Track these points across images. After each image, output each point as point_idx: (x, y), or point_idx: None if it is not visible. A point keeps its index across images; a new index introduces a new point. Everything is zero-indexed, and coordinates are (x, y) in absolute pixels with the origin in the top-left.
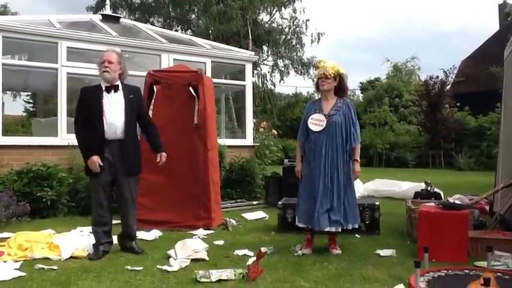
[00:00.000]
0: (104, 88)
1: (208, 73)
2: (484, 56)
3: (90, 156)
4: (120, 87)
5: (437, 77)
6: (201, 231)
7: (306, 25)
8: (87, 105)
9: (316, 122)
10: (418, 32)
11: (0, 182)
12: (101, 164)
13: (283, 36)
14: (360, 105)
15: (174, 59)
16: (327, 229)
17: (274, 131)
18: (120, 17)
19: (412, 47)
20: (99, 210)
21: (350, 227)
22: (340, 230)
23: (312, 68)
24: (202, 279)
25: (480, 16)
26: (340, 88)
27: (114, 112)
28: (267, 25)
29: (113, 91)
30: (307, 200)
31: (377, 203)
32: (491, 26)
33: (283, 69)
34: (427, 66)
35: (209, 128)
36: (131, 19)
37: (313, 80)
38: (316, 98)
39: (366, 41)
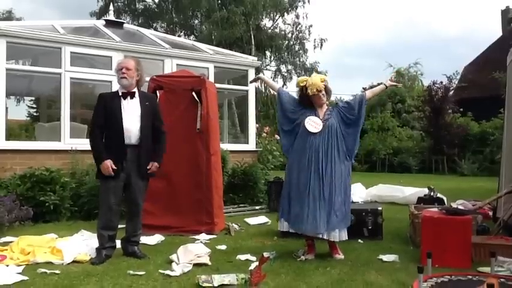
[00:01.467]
0: (120, 94)
1: (211, 78)
2: (487, 61)
3: (103, 160)
4: (137, 94)
5: (441, 82)
6: (203, 236)
7: (309, 31)
8: (105, 110)
9: (313, 123)
10: (420, 38)
11: (4, 186)
12: (114, 167)
13: (286, 42)
14: None
15: (177, 64)
16: (320, 236)
17: (277, 136)
18: (124, 23)
19: (414, 53)
20: (109, 214)
21: (342, 234)
22: (332, 238)
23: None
24: (205, 284)
25: (483, 22)
26: (327, 92)
27: (130, 118)
28: (269, 31)
29: (129, 97)
30: (298, 204)
31: (380, 208)
32: (494, 31)
33: (286, 74)
34: (430, 72)
35: (212, 133)
36: (135, 24)
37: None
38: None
39: (369, 46)
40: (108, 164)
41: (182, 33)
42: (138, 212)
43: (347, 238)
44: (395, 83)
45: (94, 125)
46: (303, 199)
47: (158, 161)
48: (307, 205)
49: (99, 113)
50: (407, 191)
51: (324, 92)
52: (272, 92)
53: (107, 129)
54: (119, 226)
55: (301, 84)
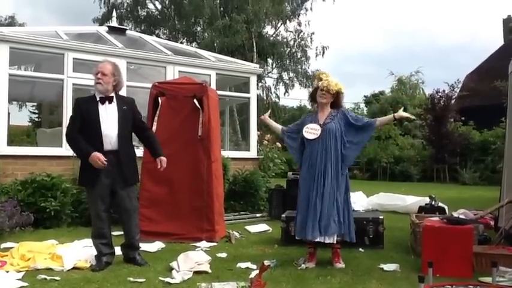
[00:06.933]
0: (98, 99)
1: (213, 85)
2: (489, 70)
3: (90, 153)
4: (115, 99)
5: (444, 91)
6: (204, 244)
7: (311, 38)
8: (82, 116)
9: (311, 131)
10: (421, 46)
11: (5, 191)
12: (104, 162)
13: (288, 49)
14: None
15: (179, 71)
16: (318, 239)
17: (278, 144)
18: (126, 29)
19: (416, 61)
20: (98, 222)
21: (346, 239)
22: (331, 241)
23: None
24: None
25: (484, 31)
26: (336, 103)
27: (108, 123)
28: (271, 38)
29: (107, 102)
30: (302, 210)
31: (381, 217)
32: (495, 40)
33: (287, 81)
34: (431, 80)
35: (213, 140)
36: (137, 31)
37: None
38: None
39: (370, 54)
40: (98, 154)
41: (184, 40)
42: (129, 218)
43: (354, 241)
44: (406, 115)
45: (71, 128)
46: (304, 207)
47: (161, 154)
48: (307, 212)
49: (74, 121)
50: (408, 200)
51: (330, 95)
52: (275, 129)
53: (85, 135)
54: (118, 233)
55: (320, 76)
